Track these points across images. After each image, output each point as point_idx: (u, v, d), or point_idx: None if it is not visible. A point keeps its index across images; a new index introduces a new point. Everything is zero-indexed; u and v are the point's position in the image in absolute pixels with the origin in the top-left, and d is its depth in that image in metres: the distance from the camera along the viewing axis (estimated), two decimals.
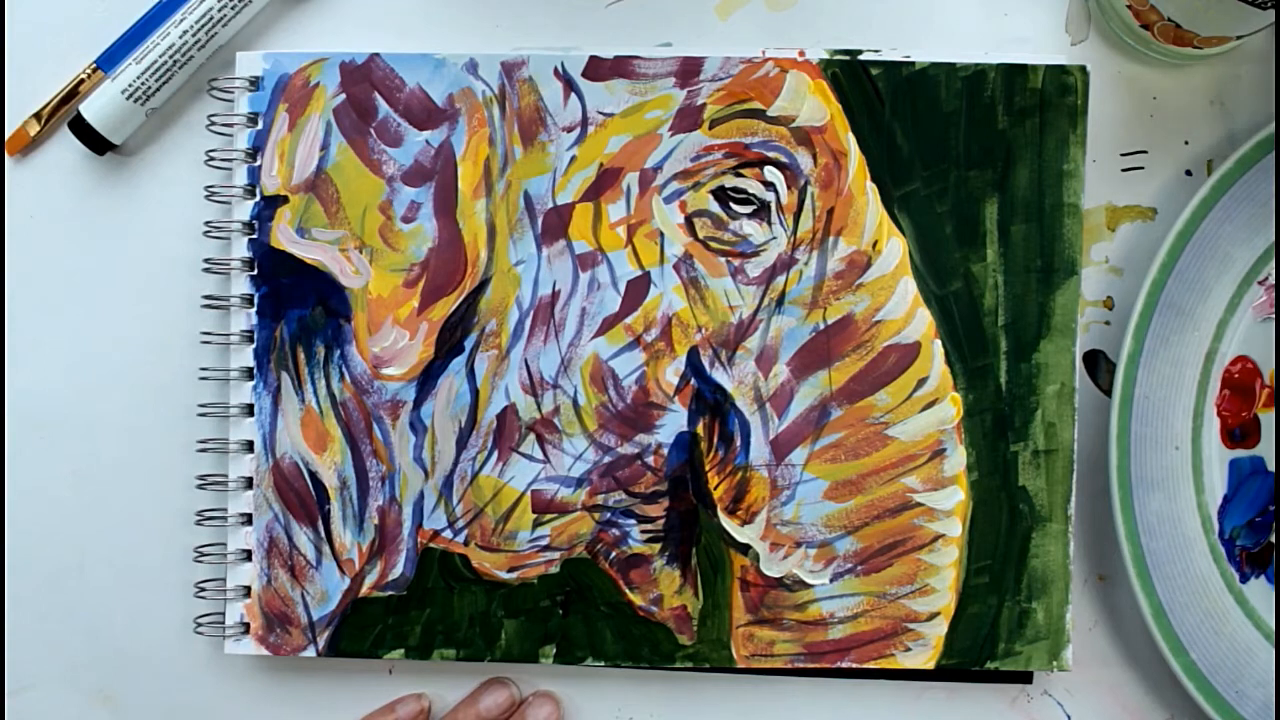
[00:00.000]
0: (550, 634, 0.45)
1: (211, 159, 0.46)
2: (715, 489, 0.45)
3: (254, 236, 0.46)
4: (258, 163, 0.46)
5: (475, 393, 0.45)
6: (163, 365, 0.47)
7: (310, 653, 0.46)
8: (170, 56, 0.46)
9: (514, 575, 0.45)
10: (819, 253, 0.45)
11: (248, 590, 0.46)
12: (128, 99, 0.46)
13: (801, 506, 0.45)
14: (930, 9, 0.46)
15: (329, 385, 0.45)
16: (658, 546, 0.45)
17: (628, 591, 0.45)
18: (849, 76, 0.45)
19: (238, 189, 0.46)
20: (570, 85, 0.45)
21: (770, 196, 0.45)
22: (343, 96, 0.45)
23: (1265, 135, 0.43)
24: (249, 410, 0.46)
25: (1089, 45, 0.46)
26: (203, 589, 0.46)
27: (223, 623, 0.46)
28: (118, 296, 0.47)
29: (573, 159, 0.45)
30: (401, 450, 0.45)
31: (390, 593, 0.45)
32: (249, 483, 0.46)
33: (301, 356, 0.46)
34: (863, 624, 0.45)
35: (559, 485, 0.45)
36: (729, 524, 0.45)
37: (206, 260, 0.46)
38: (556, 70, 0.45)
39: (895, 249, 0.45)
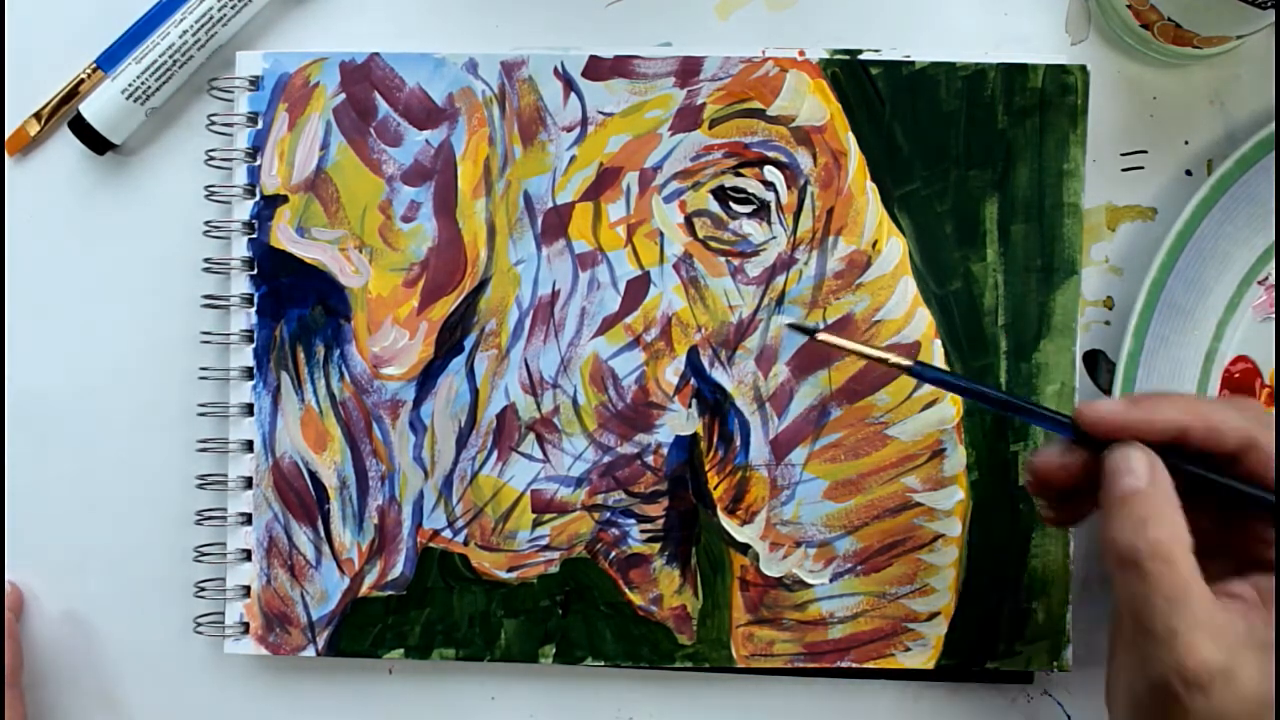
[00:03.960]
0: (550, 634, 0.45)
1: (211, 159, 0.46)
2: (715, 489, 0.45)
3: (254, 236, 0.46)
4: (258, 162, 0.46)
5: (475, 392, 0.45)
6: (163, 365, 0.47)
7: (310, 652, 0.46)
8: (170, 56, 0.46)
9: (514, 575, 0.45)
10: (819, 252, 0.45)
11: (247, 590, 0.46)
12: (128, 99, 0.46)
13: (801, 506, 0.45)
14: (930, 9, 0.46)
15: (329, 385, 0.45)
16: (657, 546, 0.45)
17: (627, 591, 0.45)
18: (849, 76, 0.45)
19: (238, 189, 0.46)
20: (570, 85, 0.45)
21: (770, 196, 0.45)
22: (343, 96, 0.45)
23: (1265, 135, 0.43)
24: (249, 410, 0.46)
25: (1089, 45, 0.46)
26: (202, 589, 0.46)
27: (222, 622, 0.46)
28: (118, 296, 0.47)
29: (572, 159, 0.45)
30: (401, 450, 0.45)
31: (390, 592, 0.45)
32: (249, 482, 0.46)
33: (301, 356, 0.46)
34: (863, 624, 0.45)
35: (559, 485, 0.45)
36: (729, 524, 0.45)
37: (206, 260, 0.46)
38: (556, 70, 0.45)
39: (895, 249, 0.45)
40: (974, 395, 0.40)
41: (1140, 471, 0.35)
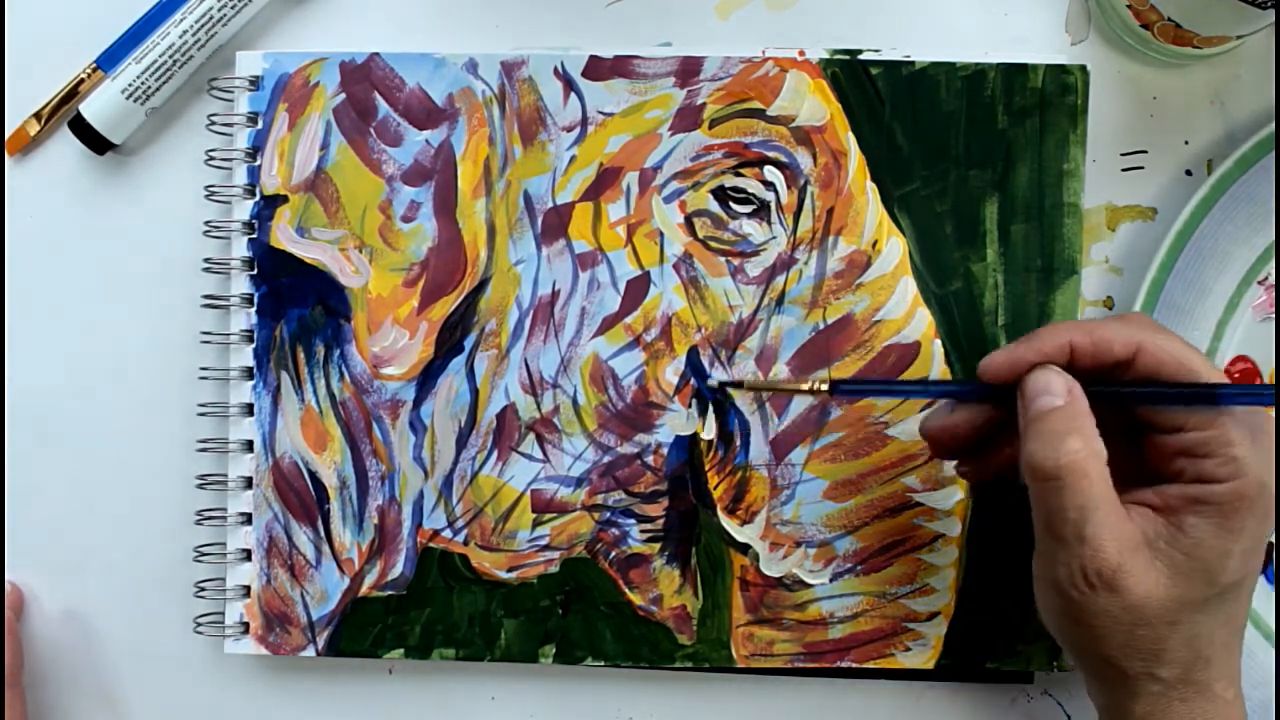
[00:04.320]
0: (550, 634, 0.45)
1: (211, 159, 0.46)
2: (715, 489, 0.45)
3: (254, 236, 0.46)
4: (257, 162, 0.46)
5: (475, 392, 0.45)
6: (163, 365, 0.47)
7: (310, 652, 0.46)
8: (170, 56, 0.46)
9: (514, 575, 0.45)
10: (819, 252, 0.45)
11: (247, 590, 0.46)
12: (128, 99, 0.46)
13: (801, 506, 0.45)
14: (930, 9, 0.46)
15: (329, 385, 0.45)
16: (657, 546, 0.45)
17: (627, 591, 0.45)
18: (849, 76, 0.45)
19: (238, 188, 0.46)
20: (570, 85, 0.45)
21: (770, 196, 0.45)
22: (342, 96, 0.45)
23: (1265, 135, 0.43)
24: (249, 410, 0.46)
25: (1089, 45, 0.46)
26: (203, 589, 0.46)
27: (223, 622, 0.46)
28: (118, 296, 0.47)
29: (572, 159, 0.45)
30: (401, 450, 0.45)
31: (390, 592, 0.45)
32: (249, 482, 0.46)
33: (301, 356, 0.46)
34: (863, 624, 0.45)
35: (559, 485, 0.45)
36: (729, 524, 0.45)
37: (206, 260, 0.46)
38: (556, 70, 0.45)
39: (895, 249, 0.45)
40: (894, 393, 0.43)
41: (1056, 389, 0.37)
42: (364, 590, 0.45)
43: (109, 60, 0.47)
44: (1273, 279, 0.45)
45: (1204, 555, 0.36)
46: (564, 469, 0.45)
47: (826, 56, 0.45)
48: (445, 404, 0.45)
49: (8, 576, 0.47)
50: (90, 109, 0.46)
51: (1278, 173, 0.44)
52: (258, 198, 0.46)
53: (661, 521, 0.45)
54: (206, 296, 0.46)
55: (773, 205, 0.45)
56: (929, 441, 0.41)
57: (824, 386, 0.41)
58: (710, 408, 0.45)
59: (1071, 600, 0.36)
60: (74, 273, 0.47)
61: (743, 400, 0.45)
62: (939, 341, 0.45)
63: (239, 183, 0.46)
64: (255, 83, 0.46)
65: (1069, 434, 0.36)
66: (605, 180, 0.45)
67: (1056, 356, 0.38)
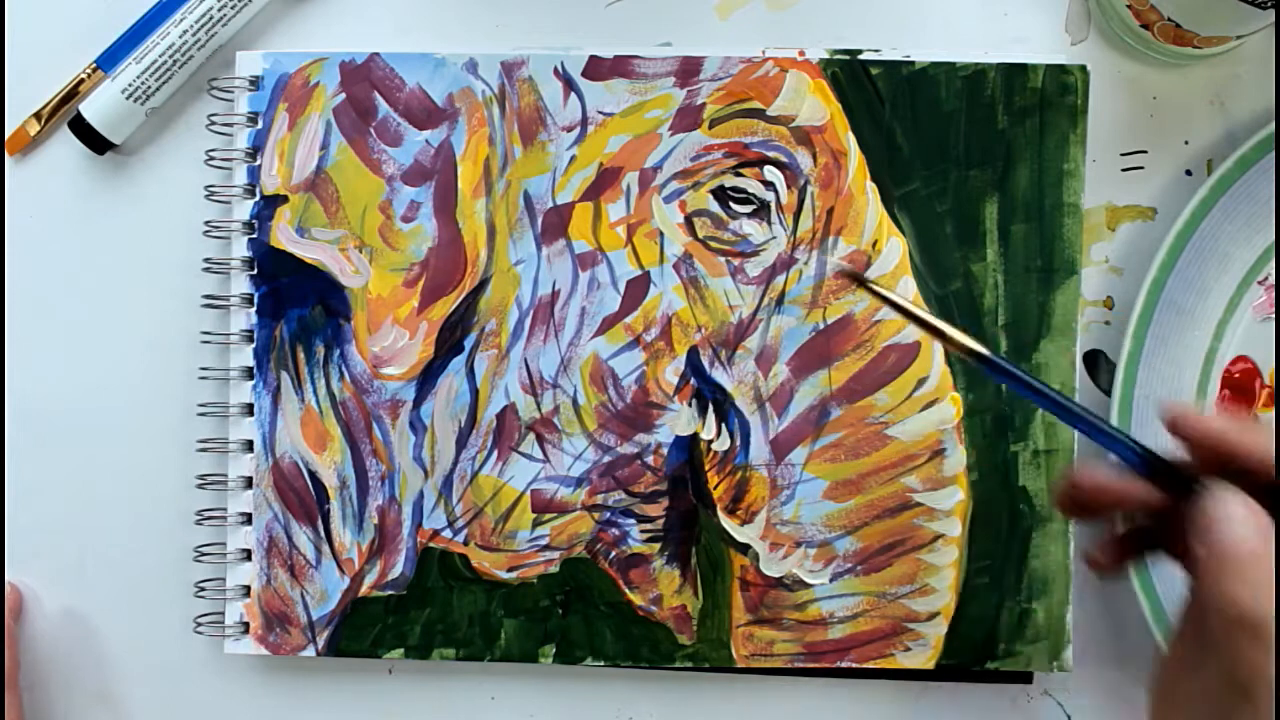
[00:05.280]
0: (550, 634, 0.45)
1: (211, 159, 0.46)
2: (715, 489, 0.45)
3: (254, 236, 0.46)
4: (257, 162, 0.46)
5: (475, 392, 0.45)
6: (163, 365, 0.47)
7: (310, 652, 0.46)
8: (170, 56, 0.46)
9: (513, 575, 0.45)
10: (819, 252, 0.45)
11: (247, 590, 0.46)
12: (128, 98, 0.46)
13: (801, 506, 0.45)
14: (930, 9, 0.46)
15: (329, 385, 0.45)
16: (657, 546, 0.45)
17: (627, 591, 0.45)
18: (849, 76, 0.45)
19: (238, 188, 0.46)
20: (570, 85, 0.45)
21: (770, 196, 0.45)
22: (342, 96, 0.45)
23: (1265, 135, 0.43)
24: (249, 410, 0.46)
25: (1089, 45, 0.46)
26: (202, 589, 0.46)
27: (222, 622, 0.46)
28: (118, 296, 0.47)
29: (572, 158, 0.45)
30: (401, 450, 0.45)
31: (390, 592, 0.45)
32: (249, 482, 0.46)
33: (301, 356, 0.46)
34: (863, 624, 0.45)
35: (559, 485, 0.45)
36: (729, 524, 0.45)
37: (206, 260, 0.46)
38: (556, 70, 0.45)
39: (895, 249, 0.45)
40: (1051, 407, 0.36)
41: (1264, 527, 0.32)
42: (364, 590, 0.45)
43: (109, 60, 0.47)
44: (1273, 279, 0.45)
45: None
46: (564, 469, 0.45)
47: (826, 56, 0.45)
48: (445, 404, 0.45)
49: (7, 577, 0.47)
50: (90, 109, 0.46)
51: (1278, 173, 0.44)
52: (258, 198, 0.46)
53: (661, 521, 0.45)
54: (206, 296, 0.46)
55: (773, 205, 0.45)
56: (1076, 491, 0.36)
57: (979, 347, 0.35)
58: (710, 408, 0.45)
59: None
60: (74, 273, 0.47)
61: (742, 400, 0.45)
62: (939, 342, 0.45)
63: (239, 183, 0.46)
64: (255, 83, 0.46)
65: (1273, 584, 0.31)
66: (605, 180, 0.45)
67: (1261, 461, 0.33)
